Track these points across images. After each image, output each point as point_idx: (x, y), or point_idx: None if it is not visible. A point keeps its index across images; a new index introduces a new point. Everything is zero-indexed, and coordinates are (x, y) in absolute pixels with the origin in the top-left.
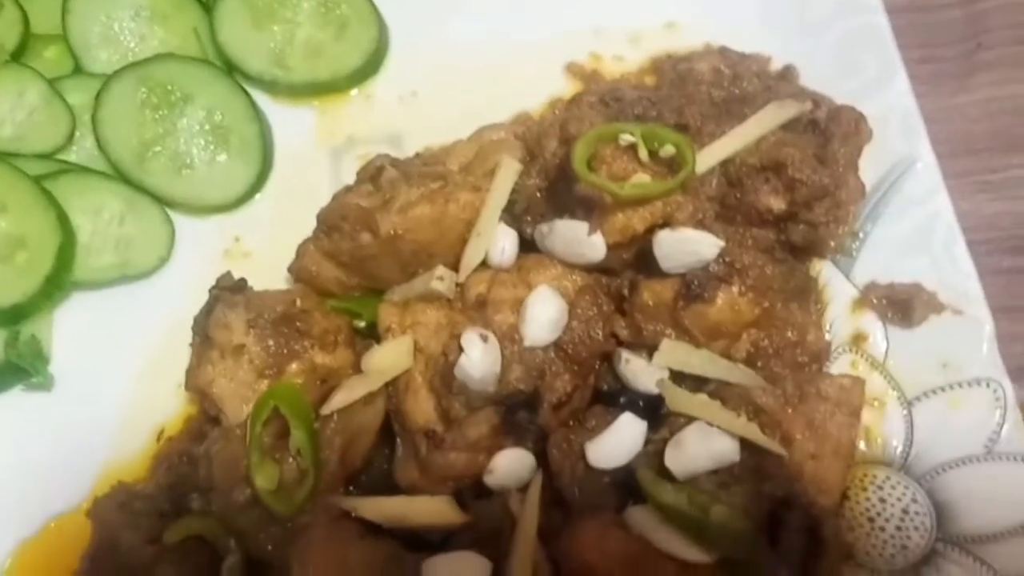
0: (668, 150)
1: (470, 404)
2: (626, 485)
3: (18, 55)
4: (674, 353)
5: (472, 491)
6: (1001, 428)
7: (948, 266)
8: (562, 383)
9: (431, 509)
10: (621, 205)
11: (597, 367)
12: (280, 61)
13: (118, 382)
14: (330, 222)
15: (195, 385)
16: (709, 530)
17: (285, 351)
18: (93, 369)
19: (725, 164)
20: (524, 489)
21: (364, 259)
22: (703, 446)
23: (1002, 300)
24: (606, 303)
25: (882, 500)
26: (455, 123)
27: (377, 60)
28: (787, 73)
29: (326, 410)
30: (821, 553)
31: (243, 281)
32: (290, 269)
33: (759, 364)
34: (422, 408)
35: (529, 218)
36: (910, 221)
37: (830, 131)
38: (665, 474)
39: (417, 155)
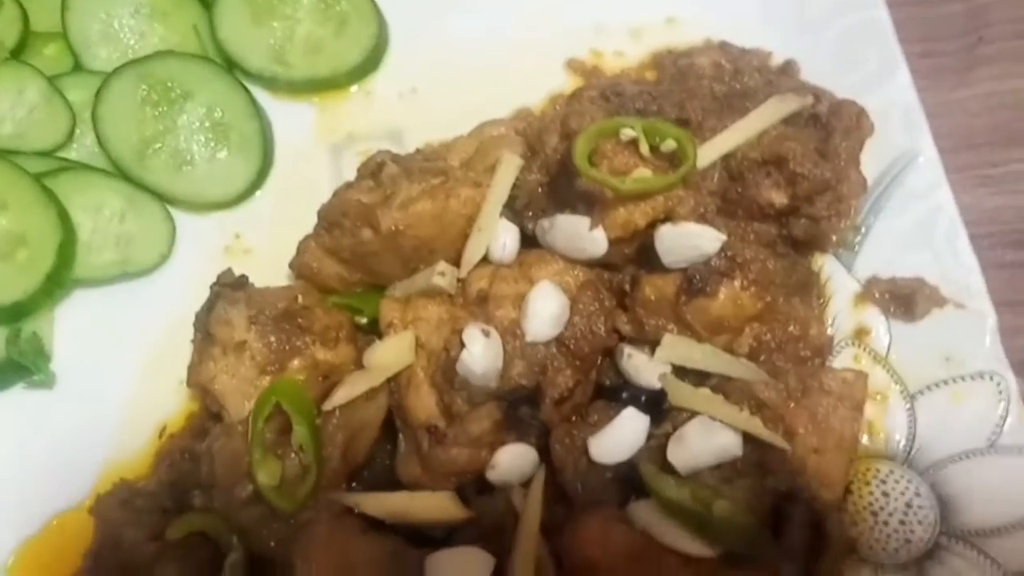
0: (669, 145)
1: (472, 399)
2: (628, 480)
3: (18, 53)
4: (676, 348)
5: (474, 486)
6: (1004, 421)
7: (950, 260)
8: (564, 378)
9: (433, 505)
10: (622, 200)
11: (599, 362)
12: (280, 58)
13: (119, 379)
14: (331, 218)
15: (197, 382)
16: (712, 525)
17: (287, 347)
18: (94, 366)
19: (726, 158)
20: (526, 484)
21: (365, 255)
22: (706, 440)
23: (1004, 294)
24: (608, 298)
25: (885, 494)
26: (455, 119)
27: (377, 56)
28: (788, 68)
29: (328, 406)
30: (824, 547)
31: (244, 278)
32: (291, 265)
33: (761, 358)
34: (424, 404)
35: (530, 213)
36: (912, 215)
37: (831, 125)
38: (668, 469)
39: (418, 151)
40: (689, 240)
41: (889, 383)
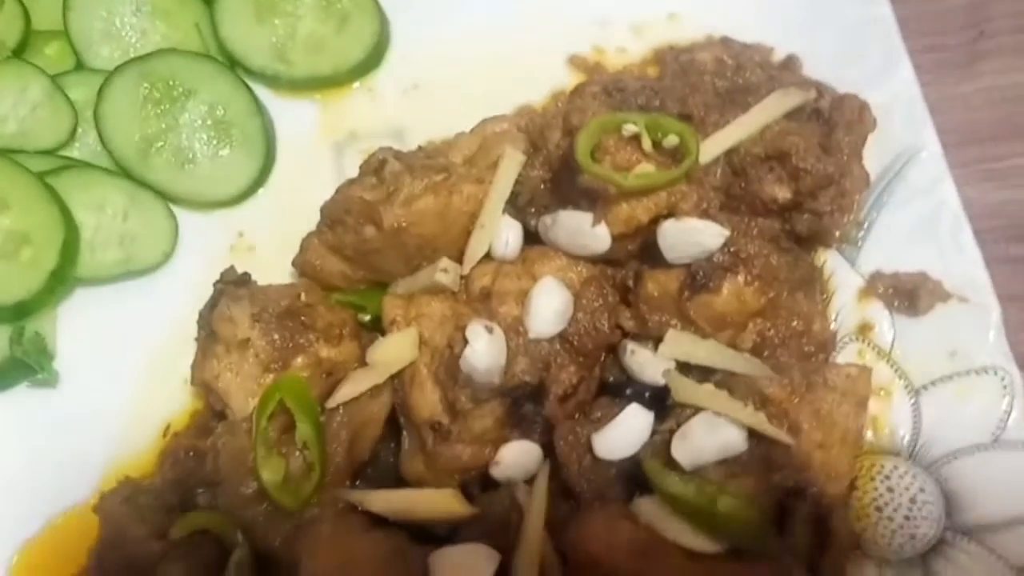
0: (672, 140)
1: (476, 396)
2: (633, 476)
3: (20, 51)
4: (680, 344)
5: (479, 483)
6: (1009, 416)
7: (954, 254)
8: (568, 375)
9: (438, 502)
10: (625, 196)
11: (603, 358)
12: (282, 55)
13: (123, 378)
14: (334, 216)
15: (200, 380)
16: (717, 520)
17: (290, 345)
18: (98, 365)
19: (729, 154)
20: (531, 481)
21: (368, 252)
22: (710, 436)
23: (1009, 288)
24: (611, 294)
25: (890, 490)
26: (458, 116)
27: (379, 53)
28: (790, 63)
29: (332, 403)
30: (829, 543)
31: (247, 275)
32: (294, 263)
33: (765, 354)
34: (428, 400)
35: (533, 210)
36: (915, 210)
37: (834, 120)
38: (672, 465)
39: (420, 148)
40: (692, 236)
41: (893, 378)
